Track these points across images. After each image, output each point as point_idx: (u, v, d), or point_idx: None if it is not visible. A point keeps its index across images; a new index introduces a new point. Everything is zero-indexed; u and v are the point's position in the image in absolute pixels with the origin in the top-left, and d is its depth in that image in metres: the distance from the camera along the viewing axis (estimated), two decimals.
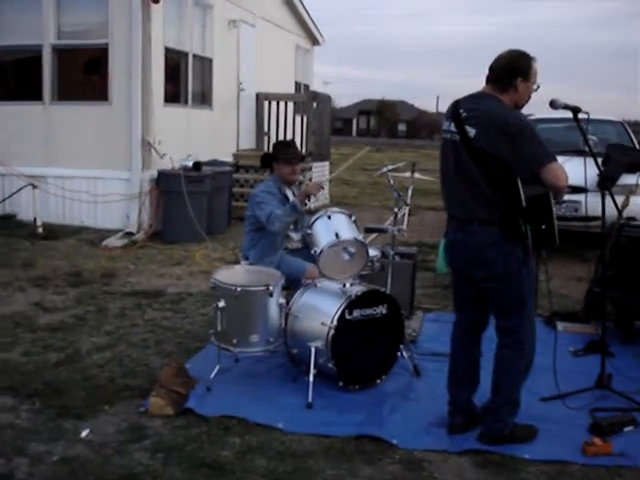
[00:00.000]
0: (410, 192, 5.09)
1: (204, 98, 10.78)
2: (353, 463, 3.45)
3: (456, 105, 3.58)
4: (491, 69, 3.56)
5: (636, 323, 5.56)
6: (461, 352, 3.93)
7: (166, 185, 8.78)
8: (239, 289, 4.17)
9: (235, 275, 4.44)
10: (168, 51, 9.36)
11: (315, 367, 4.17)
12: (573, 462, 3.54)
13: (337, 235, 4.30)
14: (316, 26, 16.21)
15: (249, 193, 11.04)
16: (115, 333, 5.23)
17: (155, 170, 8.91)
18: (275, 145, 5.36)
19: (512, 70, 3.51)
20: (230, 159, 11.40)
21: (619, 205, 5.28)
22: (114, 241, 8.45)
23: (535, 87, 3.60)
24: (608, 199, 4.33)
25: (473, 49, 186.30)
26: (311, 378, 4.12)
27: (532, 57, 3.58)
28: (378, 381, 4.40)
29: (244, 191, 11.25)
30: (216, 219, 9.40)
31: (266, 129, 12.72)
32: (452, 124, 3.56)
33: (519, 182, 3.42)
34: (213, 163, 9.83)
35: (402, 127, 71.73)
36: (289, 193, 5.11)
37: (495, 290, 3.61)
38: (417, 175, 5.18)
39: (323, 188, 5.02)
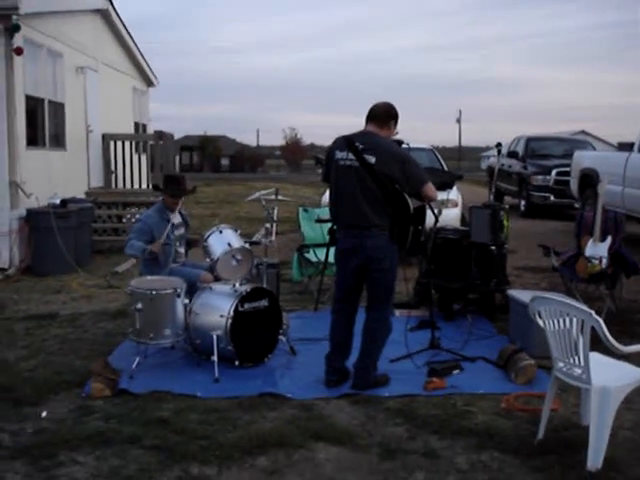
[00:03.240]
0: (276, 211, 6.33)
1: (58, 140, 11.48)
2: (261, 411, 4.62)
3: (349, 139, 4.85)
4: (373, 112, 4.92)
5: (454, 306, 7.11)
6: (341, 329, 5.18)
7: (36, 222, 9.48)
8: (154, 292, 5.23)
9: (147, 283, 5.46)
10: (28, 98, 10.06)
11: (217, 351, 5.28)
12: (419, 395, 4.92)
13: (230, 244, 5.47)
14: (151, 69, 17.20)
15: (103, 228, 11.96)
16: (31, 347, 6.03)
17: (23, 209, 9.56)
18: (167, 178, 6.36)
19: (389, 115, 4.95)
20: (83, 196, 12.12)
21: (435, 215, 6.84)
22: None
23: (396, 132, 5.05)
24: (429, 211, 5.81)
25: (289, 83, 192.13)
26: (215, 358, 5.22)
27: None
28: (266, 359, 5.56)
29: (98, 226, 12.00)
30: (81, 252, 10.15)
31: (112, 167, 13.54)
32: (349, 154, 4.80)
33: (407, 196, 4.81)
34: (74, 200, 10.58)
35: (225, 161, 73.01)
36: (172, 217, 6.09)
37: (379, 279, 4.95)
38: (280, 197, 6.42)
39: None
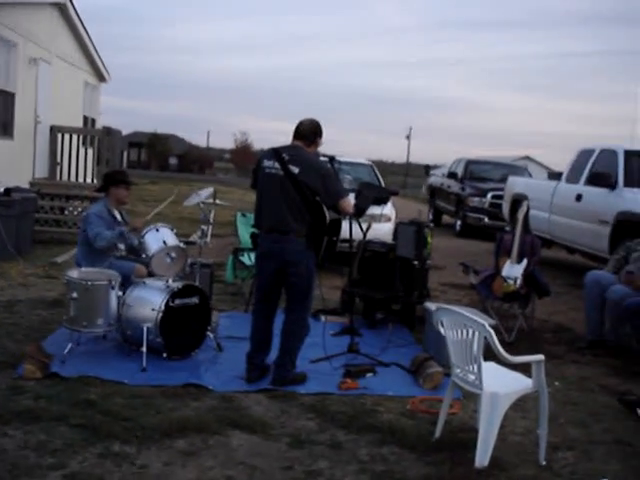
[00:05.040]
0: (212, 214, 6.66)
1: (6, 129, 11.61)
2: (184, 400, 4.94)
3: (277, 150, 5.24)
4: (299, 130, 5.31)
5: (377, 315, 7.53)
6: (260, 329, 5.55)
7: None
8: (90, 283, 5.51)
9: (83, 274, 5.73)
10: None
11: (147, 342, 5.57)
12: (332, 393, 5.30)
13: (165, 242, 5.79)
14: (104, 64, 17.35)
15: (45, 218, 12.07)
16: None
17: None
18: (115, 173, 6.59)
19: (315, 132, 5.35)
20: (27, 186, 12.23)
21: (364, 229, 7.23)
22: None
23: (321, 143, 5.46)
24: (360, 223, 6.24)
25: (243, 87, 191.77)
26: (144, 349, 5.51)
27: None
28: (193, 353, 5.88)
29: (40, 217, 12.09)
30: (22, 241, 10.28)
31: (59, 159, 13.66)
32: (276, 163, 5.19)
33: (325, 208, 5.20)
34: (18, 189, 10.70)
35: (173, 161, 72.57)
36: (117, 214, 6.43)
37: (297, 282, 5.31)
38: (218, 201, 6.74)
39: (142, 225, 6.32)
